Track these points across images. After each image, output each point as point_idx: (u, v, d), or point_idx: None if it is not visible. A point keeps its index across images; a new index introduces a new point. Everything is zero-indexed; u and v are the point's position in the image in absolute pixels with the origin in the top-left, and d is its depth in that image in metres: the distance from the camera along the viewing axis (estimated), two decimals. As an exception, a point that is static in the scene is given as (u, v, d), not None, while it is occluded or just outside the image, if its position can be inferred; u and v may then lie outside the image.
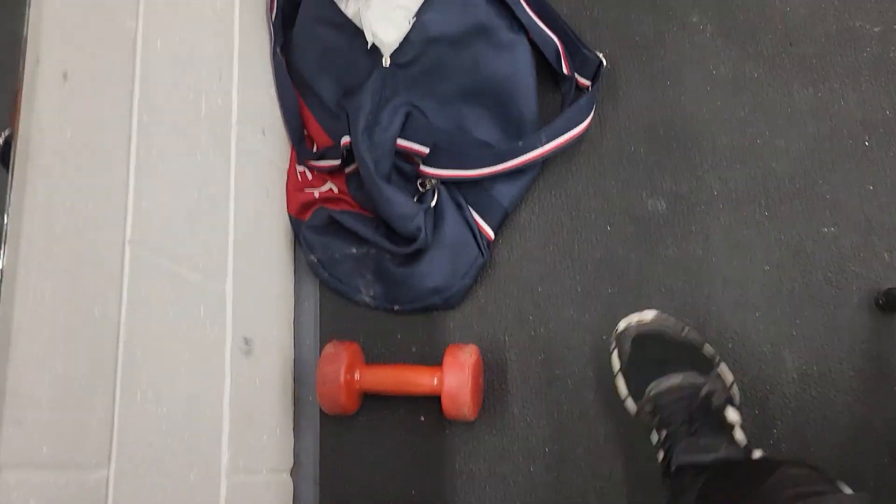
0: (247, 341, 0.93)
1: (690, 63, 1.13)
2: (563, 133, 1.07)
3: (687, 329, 0.92)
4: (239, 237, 0.94)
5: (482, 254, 1.07)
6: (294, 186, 1.14)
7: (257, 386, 0.96)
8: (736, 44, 1.12)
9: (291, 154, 1.16)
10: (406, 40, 1.07)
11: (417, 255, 1.06)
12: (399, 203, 1.04)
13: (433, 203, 1.07)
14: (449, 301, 1.07)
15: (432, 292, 1.06)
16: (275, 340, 1.04)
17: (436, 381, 0.97)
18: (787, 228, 1.03)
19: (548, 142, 1.06)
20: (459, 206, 1.09)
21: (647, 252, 1.06)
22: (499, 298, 1.07)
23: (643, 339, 0.90)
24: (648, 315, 0.92)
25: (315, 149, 1.15)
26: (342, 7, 1.08)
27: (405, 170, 1.11)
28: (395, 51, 1.07)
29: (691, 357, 0.90)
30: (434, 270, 1.06)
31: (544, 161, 1.09)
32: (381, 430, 1.04)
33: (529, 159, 1.06)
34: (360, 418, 1.04)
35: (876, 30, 1.10)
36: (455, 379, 0.95)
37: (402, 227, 1.04)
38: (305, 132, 1.17)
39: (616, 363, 0.92)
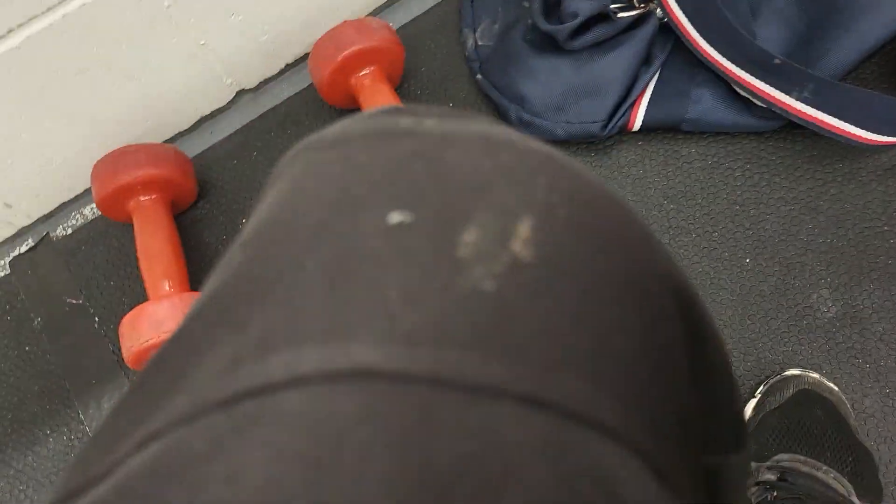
0: None
1: None
2: (844, 115, 0.68)
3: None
4: None
5: (604, 126, 0.75)
6: None
7: None
8: None
9: None
10: None
11: (548, 46, 0.76)
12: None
13: (623, 17, 0.74)
14: (523, 125, 0.77)
15: (519, 98, 0.77)
16: None
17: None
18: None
19: (809, 102, 0.68)
20: (646, 60, 0.75)
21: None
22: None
23: (811, 404, 0.61)
24: (832, 386, 0.63)
25: None
26: None
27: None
28: None
29: (858, 471, 0.59)
30: (543, 79, 0.76)
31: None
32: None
33: (764, 94, 0.69)
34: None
35: None
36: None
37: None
38: None
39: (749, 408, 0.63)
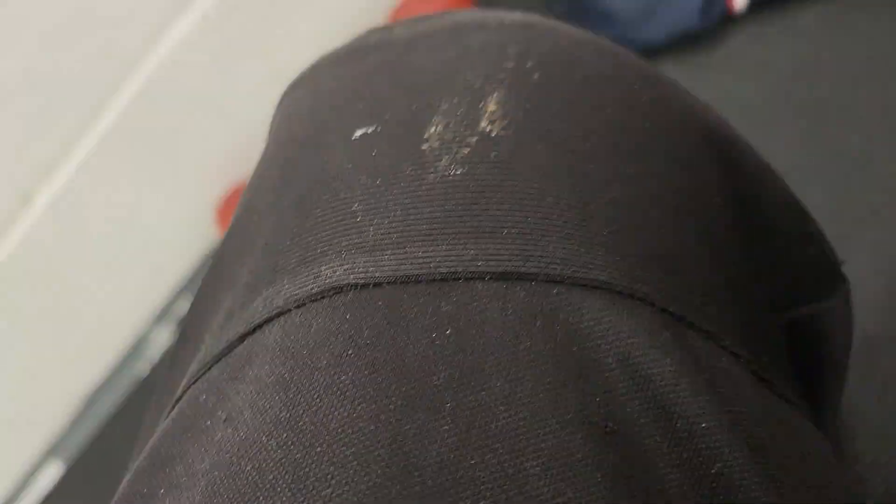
0: None
1: None
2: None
3: None
4: None
5: (702, 15, 0.70)
6: None
7: None
8: None
9: None
10: None
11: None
12: None
13: None
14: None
15: (603, 18, 0.73)
16: None
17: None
18: None
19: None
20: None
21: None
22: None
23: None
24: None
25: None
26: None
27: None
28: None
29: None
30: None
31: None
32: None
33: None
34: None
35: None
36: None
37: None
38: None
39: None
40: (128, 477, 0.20)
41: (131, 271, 0.87)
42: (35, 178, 0.75)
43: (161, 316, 0.91)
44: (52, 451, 0.87)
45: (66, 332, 0.85)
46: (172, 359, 0.24)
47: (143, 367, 0.90)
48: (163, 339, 0.91)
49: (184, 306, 0.91)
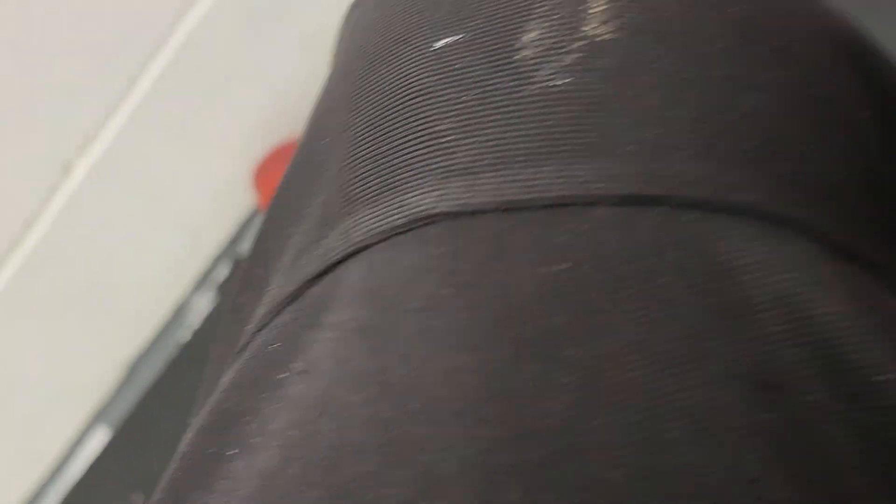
0: None
1: None
2: None
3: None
4: None
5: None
6: None
7: None
8: None
9: None
10: None
11: None
12: None
13: None
14: None
15: None
16: None
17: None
18: None
19: None
20: None
21: None
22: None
23: None
24: None
25: None
26: None
27: None
28: None
29: None
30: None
31: None
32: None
33: None
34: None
35: None
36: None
37: None
38: None
39: None
40: (190, 435, 0.17)
41: (170, 238, 0.86)
42: (74, 147, 0.74)
43: (201, 282, 0.90)
44: (98, 417, 0.88)
45: (108, 301, 0.85)
46: (233, 305, 0.21)
47: (184, 333, 0.90)
48: (203, 305, 0.90)
49: (223, 272, 0.89)
